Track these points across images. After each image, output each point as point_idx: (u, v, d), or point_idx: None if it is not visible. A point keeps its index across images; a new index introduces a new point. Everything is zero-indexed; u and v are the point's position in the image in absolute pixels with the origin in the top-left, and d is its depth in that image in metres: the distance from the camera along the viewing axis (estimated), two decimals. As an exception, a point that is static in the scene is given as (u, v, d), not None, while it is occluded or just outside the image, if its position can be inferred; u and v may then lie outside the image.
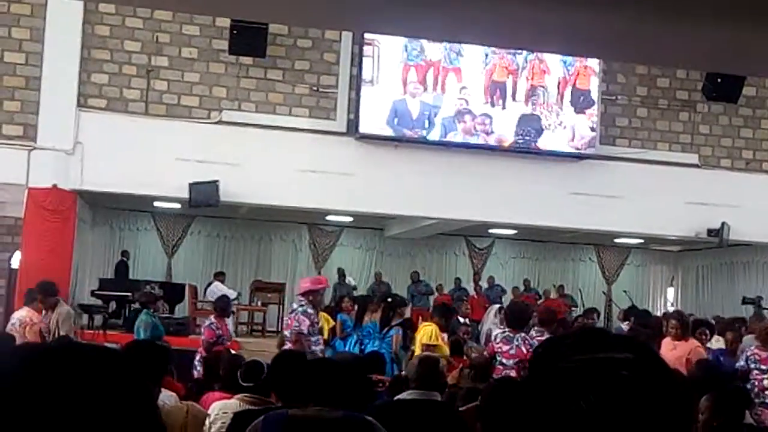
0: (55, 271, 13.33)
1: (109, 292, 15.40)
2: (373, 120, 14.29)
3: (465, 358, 10.03)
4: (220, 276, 16.98)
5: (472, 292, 19.12)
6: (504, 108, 14.77)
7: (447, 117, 14.56)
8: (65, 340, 8.05)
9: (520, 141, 14.79)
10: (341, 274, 18.56)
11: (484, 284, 19.61)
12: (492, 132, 14.69)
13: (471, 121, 14.63)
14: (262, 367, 5.26)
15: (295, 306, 9.62)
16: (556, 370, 0.99)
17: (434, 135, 14.53)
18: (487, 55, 14.69)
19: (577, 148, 15.10)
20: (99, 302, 15.17)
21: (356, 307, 12.98)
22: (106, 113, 13.77)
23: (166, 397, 5.21)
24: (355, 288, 17.87)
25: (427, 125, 14.51)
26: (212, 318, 11.15)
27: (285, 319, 10.37)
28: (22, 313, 10.38)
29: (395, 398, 4.28)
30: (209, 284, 16.97)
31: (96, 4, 13.38)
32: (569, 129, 15.02)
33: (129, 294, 14.97)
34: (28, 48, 13.59)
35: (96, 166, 13.36)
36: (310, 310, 9.31)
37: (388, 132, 14.37)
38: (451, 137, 14.54)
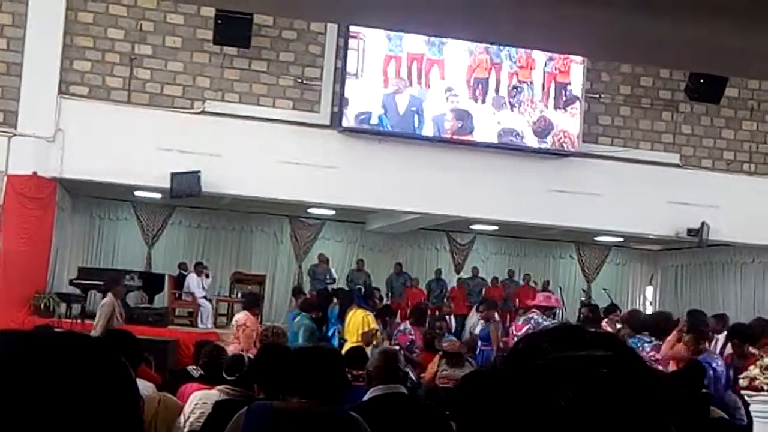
0: (34, 259, 13.27)
1: (87, 281, 15.29)
2: (358, 113, 14.28)
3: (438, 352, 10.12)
4: (197, 267, 16.88)
5: (453, 284, 19.15)
6: (484, 102, 14.79)
7: (438, 114, 14.60)
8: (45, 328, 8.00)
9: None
10: (324, 260, 18.44)
11: (466, 275, 19.61)
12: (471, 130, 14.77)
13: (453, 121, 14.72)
14: (243, 361, 5.30)
15: (539, 319, 9.46)
16: (534, 367, 0.98)
17: (425, 130, 14.56)
18: (470, 50, 14.70)
19: (560, 146, 15.15)
20: (77, 291, 15.06)
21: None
22: (88, 101, 13.68)
23: (143, 387, 5.19)
24: (334, 280, 17.88)
25: (416, 121, 14.52)
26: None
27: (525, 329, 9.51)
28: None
29: (364, 399, 4.29)
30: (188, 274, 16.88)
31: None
32: (552, 126, 15.07)
33: (108, 283, 14.88)
34: (9, 33, 13.47)
35: (77, 154, 13.27)
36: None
37: (376, 126, 14.38)
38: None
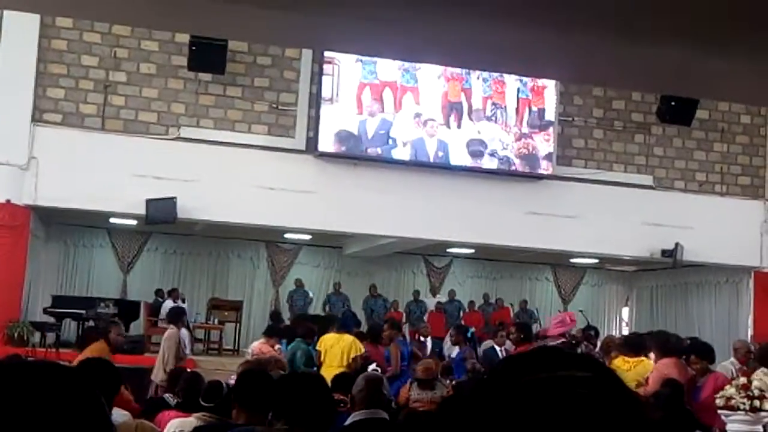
0: (7, 287, 13.12)
1: (62, 309, 15.14)
2: (332, 138, 14.31)
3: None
4: (173, 293, 16.78)
5: (431, 307, 19.11)
6: (459, 127, 14.88)
7: (415, 139, 14.67)
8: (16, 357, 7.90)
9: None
10: (300, 284, 18.47)
11: (443, 298, 19.59)
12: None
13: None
14: (222, 388, 5.26)
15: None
16: (513, 389, 0.99)
17: (398, 154, 14.62)
18: (443, 73, 14.80)
19: (534, 169, 15.24)
20: (52, 320, 14.90)
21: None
22: (62, 128, 13.60)
23: (119, 416, 5.15)
24: (310, 302, 17.91)
25: (387, 143, 14.58)
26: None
27: None
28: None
29: (345, 423, 4.27)
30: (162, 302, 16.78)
31: (53, 17, 13.24)
32: (526, 149, 15.17)
33: (83, 311, 14.73)
34: (-18, 61, 13.38)
35: (51, 181, 13.17)
36: None
37: (346, 150, 14.41)
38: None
